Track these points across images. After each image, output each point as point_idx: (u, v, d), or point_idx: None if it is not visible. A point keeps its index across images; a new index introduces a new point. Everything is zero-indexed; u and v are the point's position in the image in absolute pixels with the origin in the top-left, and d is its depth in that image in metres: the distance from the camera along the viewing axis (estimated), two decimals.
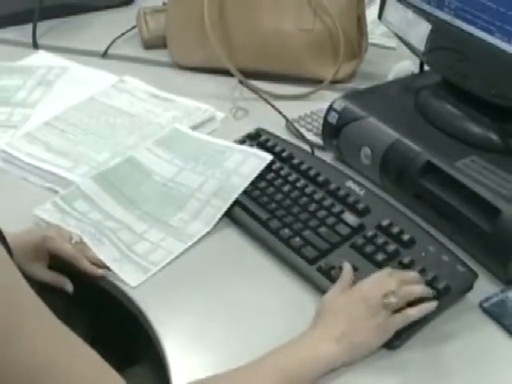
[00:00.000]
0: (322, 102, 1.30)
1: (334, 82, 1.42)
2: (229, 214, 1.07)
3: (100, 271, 0.99)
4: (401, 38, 1.20)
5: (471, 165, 1.03)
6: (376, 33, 1.57)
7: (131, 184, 1.13)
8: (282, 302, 0.95)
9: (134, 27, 1.66)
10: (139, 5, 1.77)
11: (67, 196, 1.10)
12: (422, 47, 1.13)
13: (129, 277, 0.98)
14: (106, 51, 1.58)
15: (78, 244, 1.01)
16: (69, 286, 1.01)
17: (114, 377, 0.72)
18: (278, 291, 0.97)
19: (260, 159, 1.13)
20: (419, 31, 1.13)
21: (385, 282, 0.89)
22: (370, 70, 1.49)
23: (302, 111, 1.34)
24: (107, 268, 0.99)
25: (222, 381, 0.81)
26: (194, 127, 1.27)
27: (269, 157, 1.13)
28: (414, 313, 0.88)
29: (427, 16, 1.12)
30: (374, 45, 1.55)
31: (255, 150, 1.15)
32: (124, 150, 1.21)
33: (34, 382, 0.67)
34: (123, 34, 1.64)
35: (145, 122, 1.30)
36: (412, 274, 0.92)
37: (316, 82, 1.42)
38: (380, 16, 1.23)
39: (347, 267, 0.93)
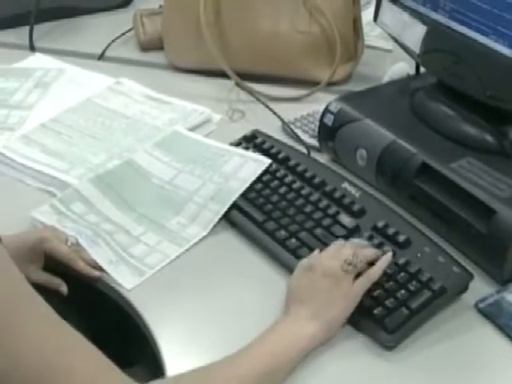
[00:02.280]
0: (318, 103, 1.30)
1: (330, 83, 1.43)
2: (225, 216, 1.07)
3: (96, 273, 0.99)
4: (396, 40, 1.20)
5: (466, 166, 1.03)
6: (372, 35, 1.57)
7: (129, 186, 1.13)
8: (278, 303, 0.94)
9: (130, 29, 1.66)
10: (136, 7, 1.78)
11: (65, 198, 1.10)
12: (417, 49, 1.14)
13: (124, 279, 0.98)
14: (102, 53, 1.59)
15: (74, 246, 1.02)
16: (64, 288, 1.01)
17: (116, 374, 0.73)
18: (274, 293, 0.97)
19: (258, 163, 1.13)
20: (414, 33, 1.14)
21: (339, 252, 0.91)
22: (366, 72, 1.50)
23: (298, 113, 1.34)
24: (103, 270, 0.99)
25: (199, 375, 0.81)
26: (191, 129, 1.27)
27: (267, 161, 1.13)
28: (375, 270, 0.91)
29: (422, 18, 1.13)
30: (370, 47, 1.55)
31: (254, 154, 1.15)
32: (120, 152, 1.22)
33: (34, 381, 0.67)
34: (120, 37, 1.64)
35: (141, 124, 1.30)
36: (363, 242, 0.96)
37: (312, 83, 1.42)
38: (375, 18, 1.23)
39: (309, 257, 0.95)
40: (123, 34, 1.65)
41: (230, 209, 1.07)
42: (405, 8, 1.16)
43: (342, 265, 0.89)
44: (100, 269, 1.00)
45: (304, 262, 0.93)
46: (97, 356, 0.73)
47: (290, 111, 1.34)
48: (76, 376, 0.70)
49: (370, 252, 0.93)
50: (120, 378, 0.74)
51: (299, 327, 0.86)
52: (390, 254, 0.93)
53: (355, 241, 0.96)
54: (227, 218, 1.07)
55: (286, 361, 0.84)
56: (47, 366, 0.68)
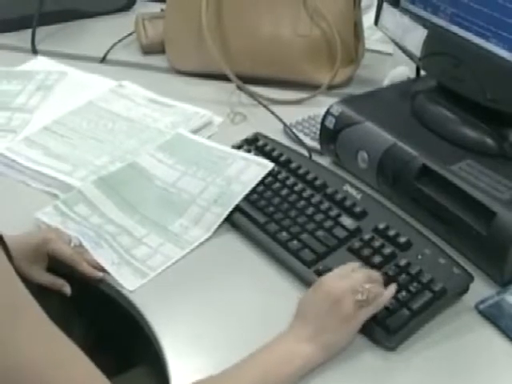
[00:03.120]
0: (319, 107, 1.30)
1: (331, 87, 1.43)
2: (228, 219, 1.08)
3: (99, 274, 0.99)
4: (397, 44, 1.21)
5: (466, 168, 1.04)
6: (372, 38, 1.58)
7: (132, 189, 1.14)
8: (279, 305, 0.95)
9: (132, 33, 1.66)
10: (137, 11, 1.78)
11: (68, 200, 1.11)
12: (418, 52, 1.14)
13: (126, 281, 0.99)
14: (104, 57, 1.59)
15: (77, 247, 1.02)
16: (67, 289, 1.02)
17: None
18: (276, 294, 0.98)
19: (261, 167, 1.14)
20: (415, 37, 1.15)
21: (350, 276, 0.89)
22: (367, 76, 1.51)
23: (300, 116, 1.35)
24: (105, 271, 1.00)
25: None
26: (192, 132, 1.28)
27: (270, 164, 1.14)
28: (382, 301, 0.88)
29: (423, 22, 1.13)
30: (371, 50, 1.56)
31: (257, 158, 1.16)
32: (123, 155, 1.22)
33: None
34: (121, 40, 1.65)
35: (143, 127, 1.31)
36: (376, 273, 0.92)
37: (313, 87, 1.43)
38: (376, 22, 1.24)
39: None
40: (125, 38, 1.66)
41: (232, 211, 1.08)
42: (405, 12, 1.17)
43: (348, 288, 0.87)
44: (103, 270, 1.00)
45: (317, 280, 0.91)
46: (88, 366, 0.72)
47: (291, 114, 1.35)
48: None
49: (377, 289, 0.89)
50: None
51: (296, 346, 0.85)
52: (393, 287, 0.90)
53: (373, 272, 0.93)
54: (230, 221, 1.08)
55: (278, 379, 0.83)
56: (38, 373, 0.67)
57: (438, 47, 1.12)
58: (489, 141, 1.08)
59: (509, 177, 1.02)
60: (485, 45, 1.04)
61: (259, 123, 1.32)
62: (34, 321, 0.69)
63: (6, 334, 0.66)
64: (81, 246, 1.03)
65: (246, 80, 1.41)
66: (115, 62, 1.59)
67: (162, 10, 1.68)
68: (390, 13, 1.21)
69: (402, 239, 0.99)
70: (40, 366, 0.67)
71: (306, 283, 0.97)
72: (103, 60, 1.59)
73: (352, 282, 0.87)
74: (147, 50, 1.62)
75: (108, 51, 1.61)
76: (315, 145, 1.25)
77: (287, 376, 0.84)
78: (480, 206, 0.98)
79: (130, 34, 1.66)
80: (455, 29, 1.09)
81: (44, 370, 0.68)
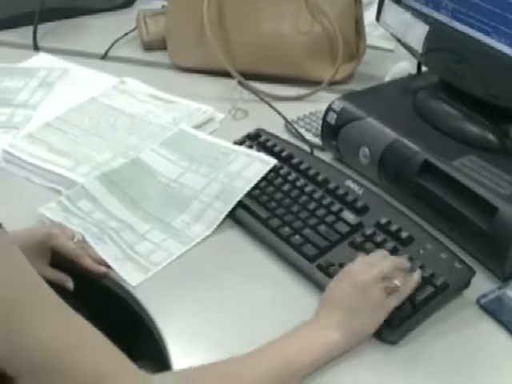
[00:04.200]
0: (321, 103, 1.31)
1: (332, 83, 1.44)
2: (230, 215, 1.08)
3: (102, 269, 1.00)
4: (399, 40, 1.21)
5: (468, 164, 1.04)
6: (374, 35, 1.58)
7: (136, 185, 1.14)
8: (282, 300, 0.96)
9: (133, 29, 1.67)
10: (139, 7, 1.79)
11: (72, 195, 1.11)
12: (419, 48, 1.15)
13: (129, 276, 0.99)
14: (106, 53, 1.60)
15: (80, 243, 1.03)
16: (70, 284, 1.02)
17: (133, 371, 0.74)
18: (278, 289, 0.98)
19: (264, 163, 1.14)
20: (417, 33, 1.15)
21: (377, 265, 0.90)
22: (368, 72, 1.51)
23: (301, 112, 1.35)
24: (108, 267, 1.00)
25: (227, 366, 0.81)
26: (194, 128, 1.28)
27: (273, 161, 1.14)
28: (408, 289, 0.89)
29: (425, 18, 1.14)
30: (372, 47, 1.56)
31: (260, 154, 1.16)
32: (125, 151, 1.23)
33: (46, 374, 0.68)
34: (123, 37, 1.65)
35: (145, 123, 1.31)
36: (403, 260, 0.93)
37: (314, 83, 1.43)
38: (378, 18, 1.24)
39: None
40: (126, 34, 1.66)
41: (234, 207, 1.08)
42: (407, 8, 1.17)
43: (375, 277, 0.87)
44: (106, 265, 1.00)
45: (342, 270, 0.92)
46: (110, 350, 0.73)
47: (292, 110, 1.35)
48: (90, 370, 0.70)
49: (403, 268, 0.91)
50: (139, 374, 0.74)
51: (320, 334, 0.85)
52: (419, 274, 0.92)
53: (401, 260, 0.94)
54: (232, 216, 1.08)
55: (298, 367, 0.83)
56: (59, 358, 0.68)
57: (440, 43, 1.12)
58: (491, 136, 1.08)
59: (510, 172, 1.02)
60: (486, 40, 1.04)
61: (261, 119, 1.32)
62: (49, 304, 0.71)
63: (22, 317, 0.67)
64: (84, 241, 1.03)
65: (248, 76, 1.42)
66: (117, 59, 1.59)
67: (163, 6, 1.69)
68: (391, 9, 1.21)
69: (404, 234, 0.99)
70: (58, 349, 0.68)
71: (309, 278, 0.97)
72: (105, 56, 1.60)
73: (380, 270, 0.88)
74: (148, 47, 1.63)
75: (110, 48, 1.61)
76: (317, 141, 1.25)
77: (308, 363, 0.84)
78: (482, 201, 0.98)
79: (131, 31, 1.67)
80: (457, 24, 1.09)
81: (62, 353, 0.68)
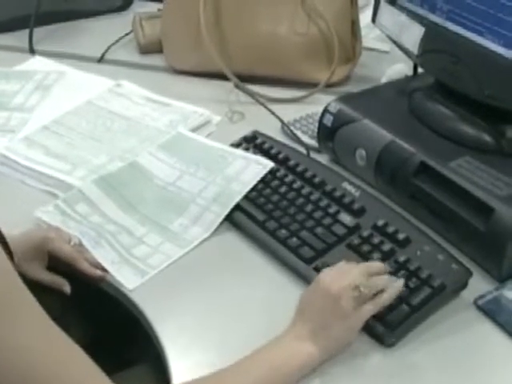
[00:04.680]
0: (317, 105, 1.31)
1: (329, 85, 1.44)
2: (227, 217, 1.08)
3: (99, 273, 1.00)
4: (394, 41, 1.21)
5: (465, 165, 1.04)
6: (370, 37, 1.58)
7: (133, 188, 1.14)
8: (279, 302, 0.96)
9: (129, 33, 1.67)
10: (135, 10, 1.79)
11: (69, 199, 1.11)
12: (415, 50, 1.15)
13: (126, 279, 0.99)
14: (102, 56, 1.60)
15: (77, 246, 1.03)
16: (67, 288, 1.02)
17: (104, 382, 0.72)
18: (275, 291, 0.98)
19: (261, 166, 1.14)
20: (412, 34, 1.15)
21: (348, 273, 0.88)
22: (364, 74, 1.51)
23: (298, 114, 1.36)
24: (105, 270, 1.00)
25: (210, 381, 0.81)
26: (191, 131, 1.28)
27: (270, 164, 1.14)
28: (384, 298, 0.88)
29: (420, 19, 1.14)
30: (368, 48, 1.57)
31: (257, 157, 1.16)
32: (122, 154, 1.23)
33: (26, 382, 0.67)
34: (119, 40, 1.66)
35: (142, 126, 1.31)
36: (380, 265, 0.93)
37: (311, 85, 1.43)
38: (374, 20, 1.24)
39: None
40: (123, 37, 1.67)
41: (232, 210, 1.08)
42: (402, 9, 1.17)
43: (347, 286, 0.86)
44: (103, 269, 1.00)
45: (317, 277, 0.90)
46: (87, 365, 0.72)
47: (289, 112, 1.35)
48: (67, 380, 0.70)
49: (381, 281, 0.89)
50: None
51: (297, 346, 0.85)
52: (401, 282, 0.90)
53: (374, 264, 0.93)
54: (229, 219, 1.08)
55: (284, 377, 0.83)
56: (39, 369, 0.68)
57: (436, 44, 1.12)
58: (486, 137, 1.08)
59: (507, 173, 1.02)
60: (481, 41, 1.04)
61: (257, 121, 1.32)
62: (32, 318, 0.69)
63: (5, 331, 0.66)
64: (81, 245, 1.03)
65: (244, 78, 1.42)
66: (113, 62, 1.59)
67: (159, 9, 1.69)
68: (387, 10, 1.21)
69: (401, 236, 0.99)
70: (39, 363, 0.68)
71: (306, 280, 0.97)
72: (101, 60, 1.60)
73: (350, 278, 0.86)
74: (145, 50, 1.63)
75: (106, 51, 1.61)
76: (313, 143, 1.26)
77: (292, 373, 0.84)
78: (478, 202, 0.98)
79: (127, 34, 1.67)
80: (452, 26, 1.09)
81: (43, 367, 0.68)
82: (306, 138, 1.27)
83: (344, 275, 0.87)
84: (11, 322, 0.67)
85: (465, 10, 1.07)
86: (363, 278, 0.87)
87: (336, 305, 0.85)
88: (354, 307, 0.85)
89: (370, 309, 0.87)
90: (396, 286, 0.90)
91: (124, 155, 1.22)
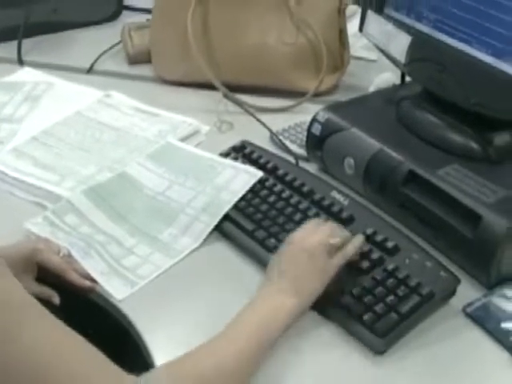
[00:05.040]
0: (306, 114, 1.31)
1: (317, 94, 1.44)
2: (216, 227, 1.08)
3: (88, 284, 1.00)
4: (382, 50, 1.22)
5: (453, 173, 1.05)
6: (357, 46, 1.59)
7: (122, 198, 1.14)
8: None
9: (118, 43, 1.67)
10: (123, 21, 1.79)
11: (58, 210, 1.11)
12: (402, 59, 1.15)
13: (116, 290, 0.99)
14: (91, 67, 1.60)
15: (66, 257, 1.03)
16: (56, 299, 1.02)
17: (119, 375, 0.75)
18: None
19: (250, 176, 1.14)
20: (400, 43, 1.16)
21: (318, 229, 0.97)
22: (353, 82, 1.52)
23: (286, 123, 1.36)
24: (95, 281, 1.00)
25: (202, 351, 0.83)
26: (180, 141, 1.28)
27: (259, 173, 1.14)
28: (350, 248, 0.96)
29: (407, 28, 1.15)
30: (356, 57, 1.58)
31: (246, 167, 1.16)
32: (111, 164, 1.23)
33: (37, 381, 0.68)
34: (108, 50, 1.66)
35: (131, 136, 1.32)
36: (337, 224, 1.01)
37: (299, 94, 1.44)
38: (361, 29, 1.25)
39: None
40: (111, 48, 1.67)
41: (221, 220, 1.08)
42: (389, 19, 1.18)
43: (319, 240, 0.94)
44: (92, 280, 1.00)
45: (288, 238, 0.97)
46: (99, 357, 0.75)
47: (277, 122, 1.36)
48: (79, 375, 0.72)
49: (345, 233, 0.98)
50: (126, 379, 0.76)
51: (282, 298, 0.89)
52: (362, 236, 0.99)
53: (333, 224, 1.01)
54: (219, 229, 1.08)
55: (273, 332, 0.87)
56: (49, 364, 0.70)
57: (422, 53, 1.13)
58: (474, 145, 1.09)
59: (494, 180, 1.03)
60: (468, 50, 1.05)
61: (246, 131, 1.32)
62: (38, 318, 0.72)
63: (13, 332, 0.68)
64: (70, 256, 1.03)
65: (233, 88, 1.42)
66: (102, 73, 1.60)
67: (147, 19, 1.69)
68: (374, 20, 1.22)
69: (390, 244, 1.00)
70: (49, 363, 0.70)
71: None
72: (90, 70, 1.60)
73: (321, 235, 0.95)
74: (134, 60, 1.63)
75: (95, 61, 1.61)
76: (302, 152, 1.26)
77: (276, 330, 0.87)
78: (466, 209, 0.99)
79: (116, 44, 1.67)
80: (439, 35, 1.10)
81: (53, 366, 0.70)
82: (294, 147, 1.28)
83: (314, 232, 0.96)
84: (18, 322, 0.68)
85: (451, 19, 1.08)
86: (331, 233, 0.96)
87: (311, 258, 0.92)
88: (326, 258, 0.93)
89: (339, 259, 0.94)
90: (358, 238, 0.98)
91: (113, 165, 1.22)
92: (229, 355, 0.82)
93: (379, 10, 1.21)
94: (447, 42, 1.09)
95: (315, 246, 0.93)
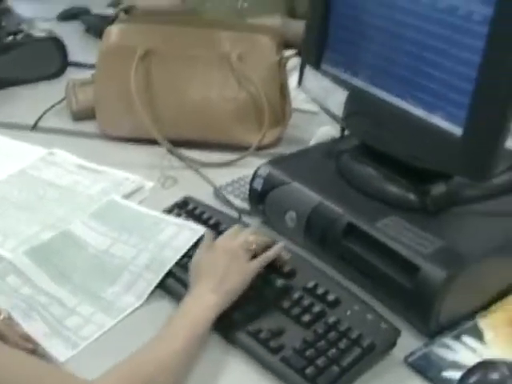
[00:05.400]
0: (249, 167, 1.32)
1: (260, 147, 1.46)
2: (160, 284, 1.08)
3: (29, 346, 0.99)
4: (320, 105, 1.25)
5: (391, 224, 1.07)
6: (299, 98, 1.61)
7: (65, 258, 1.14)
8: (217, 372, 0.96)
9: (63, 99, 1.68)
10: (68, 77, 1.80)
11: None
12: (340, 113, 1.18)
13: (58, 352, 0.98)
14: (35, 124, 1.60)
15: (7, 320, 1.01)
16: None
17: (71, 377, 0.87)
18: (211, 359, 0.98)
19: (193, 232, 1.15)
20: (337, 98, 1.18)
21: (239, 234, 1.06)
22: (295, 135, 1.54)
23: (230, 178, 1.37)
24: (37, 343, 0.99)
25: (144, 353, 0.92)
26: (124, 197, 1.29)
27: (202, 229, 1.15)
28: (270, 253, 1.05)
29: (344, 83, 1.18)
30: (298, 110, 1.60)
31: (189, 223, 1.17)
32: (54, 223, 1.22)
33: None
34: (53, 107, 1.66)
35: (74, 194, 1.32)
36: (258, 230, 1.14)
37: (243, 148, 1.46)
38: (300, 84, 1.28)
39: (208, 234, 1.11)
40: (56, 104, 1.67)
41: (164, 276, 1.08)
42: (327, 74, 1.21)
43: (241, 244, 1.03)
44: (34, 342, 0.99)
45: (206, 243, 1.07)
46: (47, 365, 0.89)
47: (222, 176, 1.37)
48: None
49: (265, 238, 1.07)
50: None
51: (207, 300, 0.97)
52: (282, 244, 1.07)
53: (253, 229, 1.10)
54: (162, 286, 1.08)
55: (205, 328, 0.96)
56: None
57: (359, 108, 1.16)
58: (411, 196, 1.11)
59: (431, 231, 1.05)
60: (402, 105, 1.08)
61: (190, 186, 1.34)
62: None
63: None
64: (10, 318, 1.02)
65: (177, 143, 1.44)
66: (46, 129, 1.60)
67: (92, 75, 1.70)
68: (311, 75, 1.25)
69: (331, 297, 1.01)
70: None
71: (243, 347, 0.98)
72: (34, 127, 1.60)
73: (241, 240, 1.04)
74: (78, 117, 1.64)
75: (39, 118, 1.62)
76: (246, 206, 1.27)
77: (206, 328, 0.96)
78: (404, 261, 1.00)
79: (61, 101, 1.68)
80: (374, 90, 1.13)
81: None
82: (238, 202, 1.29)
83: (237, 236, 1.06)
84: None
85: (386, 74, 1.11)
86: (252, 237, 1.05)
87: (234, 260, 1.01)
88: (247, 260, 1.02)
89: (260, 261, 1.03)
90: (279, 245, 1.07)
91: (56, 224, 1.22)
92: (168, 355, 0.91)
93: (316, 66, 1.24)
94: (382, 96, 1.12)
95: (236, 248, 1.03)
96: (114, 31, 1.54)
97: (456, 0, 0.99)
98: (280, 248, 1.07)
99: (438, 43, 1.02)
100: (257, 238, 1.06)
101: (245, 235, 1.06)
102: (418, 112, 1.06)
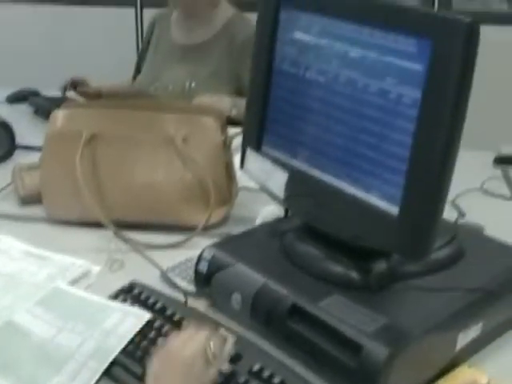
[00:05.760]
0: (196, 248, 1.32)
1: (208, 227, 1.47)
2: (106, 372, 1.07)
3: None
4: (262, 186, 1.27)
5: (334, 303, 1.08)
6: (245, 176, 1.63)
7: (8, 348, 1.12)
8: None
9: (9, 184, 1.68)
10: (16, 161, 1.81)
11: None
12: (281, 194, 1.20)
13: None
14: None
15: None
16: None
17: None
18: None
19: (138, 318, 1.14)
20: (278, 179, 1.21)
21: (195, 336, 0.99)
22: (242, 213, 1.56)
23: (178, 259, 1.37)
24: None
25: None
26: (70, 283, 1.28)
27: (146, 315, 1.14)
28: (225, 357, 1.00)
29: (283, 165, 1.20)
30: (245, 188, 1.61)
31: (134, 309, 1.17)
32: None
33: None
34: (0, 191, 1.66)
35: (19, 282, 1.30)
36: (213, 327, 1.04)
37: (190, 229, 1.46)
38: (242, 166, 1.30)
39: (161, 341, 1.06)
40: (3, 189, 1.67)
41: (110, 364, 1.08)
42: (267, 156, 1.24)
43: (197, 349, 0.96)
44: None
45: (161, 348, 1.00)
46: None
47: (169, 257, 1.38)
48: None
49: (221, 334, 1.02)
50: None
51: None
52: (231, 340, 1.02)
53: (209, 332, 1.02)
54: (108, 374, 1.08)
55: None
56: None
57: (299, 189, 1.18)
58: (353, 274, 1.12)
59: (374, 308, 1.06)
60: (340, 185, 1.11)
61: (137, 269, 1.34)
62: None
63: None
64: None
65: (125, 225, 1.44)
66: None
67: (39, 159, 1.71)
68: (253, 157, 1.27)
69: (277, 380, 1.01)
70: None
71: None
72: None
73: (197, 345, 0.97)
74: (26, 201, 1.63)
75: None
76: (193, 288, 1.27)
77: None
78: (348, 340, 1.01)
79: (7, 186, 1.67)
80: (313, 171, 1.16)
81: None
82: (184, 284, 1.29)
83: (190, 342, 0.98)
84: None
85: (323, 156, 1.14)
86: (209, 341, 0.98)
87: (190, 369, 0.95)
88: (204, 368, 0.96)
89: (216, 367, 0.98)
90: (229, 343, 1.01)
91: (1, 313, 1.21)
92: None
93: (257, 148, 1.26)
94: (321, 177, 1.14)
95: (193, 355, 0.96)
96: (59, 115, 1.55)
97: (387, 84, 1.04)
98: (230, 346, 1.02)
99: (371, 125, 1.06)
100: (213, 338, 0.99)
101: (198, 340, 0.99)
102: (356, 192, 1.09)
